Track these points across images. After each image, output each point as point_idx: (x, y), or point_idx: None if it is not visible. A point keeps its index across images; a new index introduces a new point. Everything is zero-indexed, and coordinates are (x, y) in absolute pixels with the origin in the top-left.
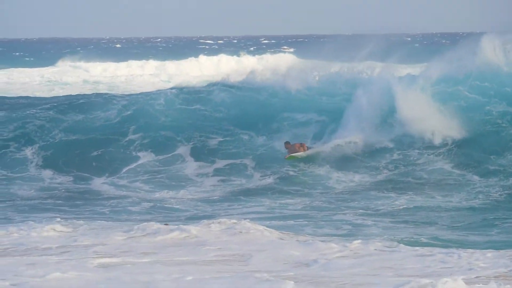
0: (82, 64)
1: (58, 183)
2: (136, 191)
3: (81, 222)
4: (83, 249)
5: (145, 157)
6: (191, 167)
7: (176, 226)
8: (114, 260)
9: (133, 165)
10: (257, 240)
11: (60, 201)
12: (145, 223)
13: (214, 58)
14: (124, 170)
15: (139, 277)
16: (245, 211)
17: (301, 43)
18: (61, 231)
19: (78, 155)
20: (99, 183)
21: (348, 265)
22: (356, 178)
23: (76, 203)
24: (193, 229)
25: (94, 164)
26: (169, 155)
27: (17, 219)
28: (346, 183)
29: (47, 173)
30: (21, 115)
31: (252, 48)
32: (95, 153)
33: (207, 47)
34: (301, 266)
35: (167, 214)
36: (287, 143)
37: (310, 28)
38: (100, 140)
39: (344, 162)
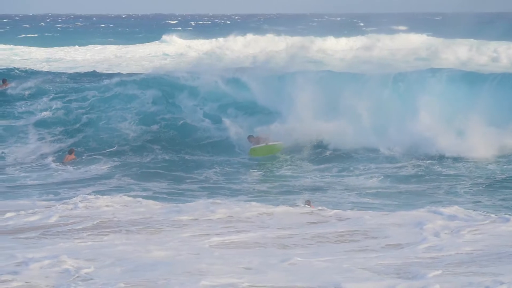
0: (190, 41)
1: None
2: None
3: (207, 196)
4: (216, 223)
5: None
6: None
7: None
8: (250, 234)
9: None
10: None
11: (174, 169)
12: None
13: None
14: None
15: (270, 259)
16: (360, 183)
17: (410, 22)
18: (189, 204)
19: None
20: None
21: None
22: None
23: (191, 172)
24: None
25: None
26: None
27: (136, 188)
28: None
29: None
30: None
31: (362, 23)
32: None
33: (315, 24)
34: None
35: (283, 183)
36: (250, 136)
37: (421, 6)
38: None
39: None
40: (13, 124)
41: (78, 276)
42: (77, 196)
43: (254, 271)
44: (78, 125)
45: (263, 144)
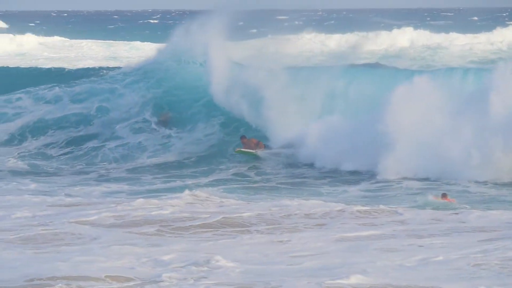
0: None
1: None
2: None
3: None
4: (349, 219)
5: None
6: None
7: None
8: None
9: None
10: None
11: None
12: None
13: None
14: None
15: (397, 257)
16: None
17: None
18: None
19: None
20: None
21: None
22: None
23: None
24: None
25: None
26: None
27: (255, 177)
28: None
29: None
30: None
31: (476, 18)
32: None
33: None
34: None
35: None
36: (243, 137)
37: None
38: None
39: None
40: (99, 86)
41: (194, 277)
42: (197, 187)
43: (380, 269)
44: (161, 75)
45: (252, 151)
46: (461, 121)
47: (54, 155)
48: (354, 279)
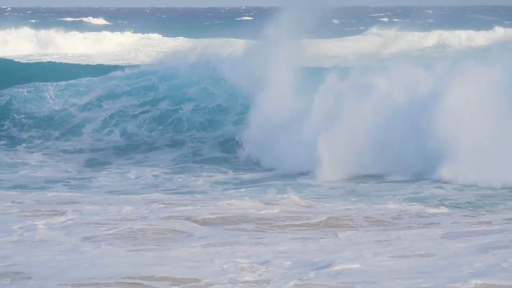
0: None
1: None
2: None
3: None
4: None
5: None
6: None
7: None
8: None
9: None
10: None
11: None
12: None
13: None
14: None
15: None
16: None
17: None
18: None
19: None
20: None
21: None
22: None
23: None
24: None
25: None
26: None
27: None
28: None
29: None
30: None
31: None
32: None
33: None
34: None
35: None
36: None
37: None
38: None
39: None
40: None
41: (297, 278)
42: (298, 176)
43: (482, 272)
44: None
45: None
46: None
47: (136, 117)
48: (473, 282)
